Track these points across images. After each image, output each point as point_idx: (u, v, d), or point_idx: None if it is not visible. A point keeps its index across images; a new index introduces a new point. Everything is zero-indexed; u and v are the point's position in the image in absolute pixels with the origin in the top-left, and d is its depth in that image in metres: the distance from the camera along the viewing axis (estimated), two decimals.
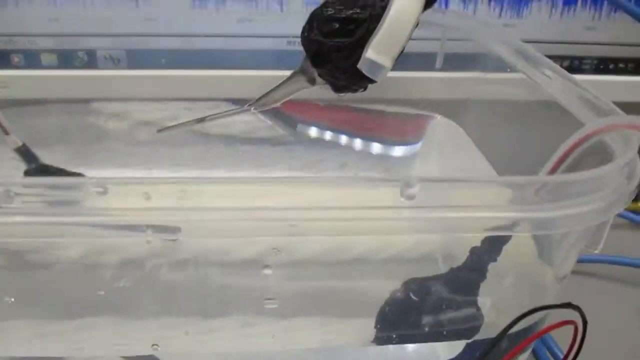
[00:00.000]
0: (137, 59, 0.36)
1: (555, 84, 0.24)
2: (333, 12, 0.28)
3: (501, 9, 0.37)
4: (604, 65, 0.40)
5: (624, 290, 0.36)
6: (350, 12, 0.28)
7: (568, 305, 0.18)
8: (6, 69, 0.35)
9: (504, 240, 0.19)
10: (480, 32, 0.29)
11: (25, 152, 0.28)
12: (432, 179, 0.15)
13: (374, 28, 0.28)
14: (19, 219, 0.14)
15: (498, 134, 0.30)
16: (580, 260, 0.35)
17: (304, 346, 0.21)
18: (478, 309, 0.20)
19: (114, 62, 0.36)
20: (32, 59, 0.35)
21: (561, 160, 0.18)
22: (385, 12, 0.27)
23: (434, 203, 0.14)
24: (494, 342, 0.18)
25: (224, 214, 0.15)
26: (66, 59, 0.36)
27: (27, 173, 0.30)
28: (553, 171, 0.18)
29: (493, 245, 0.19)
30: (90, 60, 0.36)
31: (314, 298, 0.21)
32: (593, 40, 0.39)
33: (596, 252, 0.17)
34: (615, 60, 0.40)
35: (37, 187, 0.15)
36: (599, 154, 0.18)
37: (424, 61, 0.33)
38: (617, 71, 0.40)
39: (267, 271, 0.19)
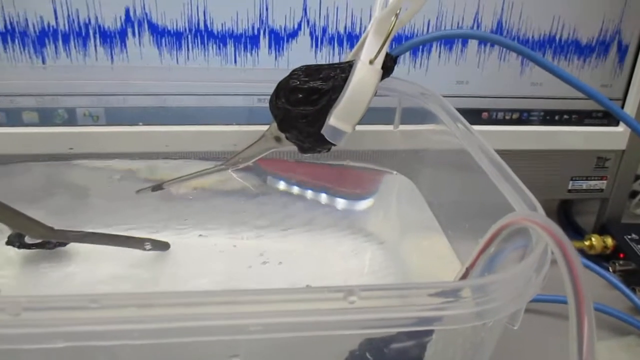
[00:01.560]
0: (115, 115, 0.38)
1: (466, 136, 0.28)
2: (298, 83, 0.31)
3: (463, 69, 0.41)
4: (550, 117, 0.44)
5: (562, 326, 0.39)
6: (314, 83, 0.31)
7: None
8: None
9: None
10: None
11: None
12: (369, 288, 0.17)
13: (336, 98, 0.31)
14: None
15: (442, 182, 0.33)
16: (535, 300, 0.38)
17: None
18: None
19: (93, 119, 0.38)
20: (14, 117, 0.37)
21: (483, 249, 0.21)
22: (346, 83, 0.30)
23: (370, 305, 0.16)
24: None
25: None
26: (47, 117, 0.38)
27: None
28: (477, 259, 0.21)
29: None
30: (70, 117, 0.38)
31: None
32: (539, 94, 0.42)
33: (515, 328, 0.20)
34: (560, 112, 0.44)
35: None
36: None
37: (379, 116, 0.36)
38: (561, 122, 0.44)
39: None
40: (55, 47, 0.36)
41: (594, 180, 0.47)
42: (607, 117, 0.44)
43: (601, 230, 0.47)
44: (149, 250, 0.34)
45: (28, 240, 0.32)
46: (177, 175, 0.35)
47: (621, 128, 0.44)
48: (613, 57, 0.42)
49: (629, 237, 0.45)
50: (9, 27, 0.35)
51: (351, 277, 0.32)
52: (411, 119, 0.35)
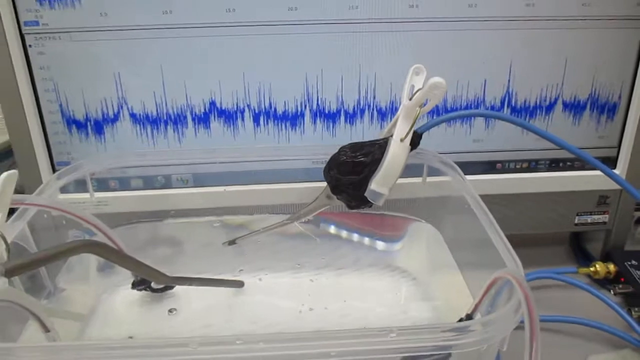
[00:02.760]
0: (201, 179, 0.48)
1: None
2: (346, 157, 0.41)
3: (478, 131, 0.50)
4: (555, 164, 0.52)
5: (568, 341, 0.47)
6: (358, 158, 0.40)
7: None
8: (106, 191, 0.47)
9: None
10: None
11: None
12: (405, 329, 0.26)
13: (375, 169, 0.40)
14: None
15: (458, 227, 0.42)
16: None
17: None
18: None
19: (184, 183, 0.49)
20: (124, 183, 0.48)
21: (484, 294, 0.30)
22: (383, 157, 0.40)
23: (404, 339, 0.25)
24: None
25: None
26: (148, 182, 0.48)
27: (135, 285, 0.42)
28: (481, 299, 0.30)
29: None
30: (166, 182, 0.48)
31: None
32: (544, 147, 0.51)
33: (504, 349, 0.28)
34: (564, 160, 0.52)
35: None
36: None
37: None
38: (565, 168, 0.52)
39: None
40: (155, 131, 0.47)
41: (597, 214, 0.54)
42: (606, 162, 0.52)
43: (606, 257, 0.55)
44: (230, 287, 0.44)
45: (154, 285, 0.43)
46: (253, 227, 0.45)
47: (618, 170, 0.52)
48: (606, 113, 0.51)
49: (629, 263, 0.53)
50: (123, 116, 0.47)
51: (392, 307, 0.42)
52: (434, 173, 0.45)
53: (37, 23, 0.43)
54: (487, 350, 0.28)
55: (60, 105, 0.46)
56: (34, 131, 0.46)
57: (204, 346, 0.24)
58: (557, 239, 0.61)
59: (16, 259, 0.28)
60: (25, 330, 0.32)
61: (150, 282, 0.43)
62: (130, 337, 0.40)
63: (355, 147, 0.41)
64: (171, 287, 0.43)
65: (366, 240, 0.47)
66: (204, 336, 0.24)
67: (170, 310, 0.43)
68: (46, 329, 0.33)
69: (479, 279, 0.34)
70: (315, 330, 0.26)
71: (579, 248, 0.60)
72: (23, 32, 0.43)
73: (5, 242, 0.29)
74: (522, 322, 0.27)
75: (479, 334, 0.26)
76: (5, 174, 0.28)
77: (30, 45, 0.44)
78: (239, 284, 0.45)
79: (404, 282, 0.44)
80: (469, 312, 0.33)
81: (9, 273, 0.27)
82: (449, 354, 0.30)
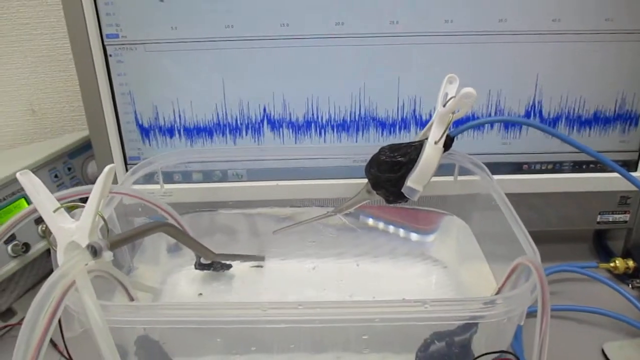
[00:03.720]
0: (254, 174, 0.54)
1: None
2: (385, 157, 0.46)
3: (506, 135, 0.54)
4: (578, 166, 0.56)
5: (585, 329, 0.51)
6: (397, 158, 0.45)
7: (505, 352, 0.34)
8: (170, 183, 0.53)
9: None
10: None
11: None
12: (437, 300, 0.31)
13: (412, 167, 0.45)
14: None
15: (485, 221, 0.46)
16: (551, 309, 0.51)
17: None
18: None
19: (238, 177, 0.54)
20: (186, 177, 0.54)
21: (507, 278, 0.34)
22: (419, 158, 0.45)
23: (438, 309, 0.30)
24: None
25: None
26: (207, 176, 0.54)
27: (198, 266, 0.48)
28: (504, 283, 0.34)
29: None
30: (223, 176, 0.54)
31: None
32: (568, 150, 0.55)
33: (521, 324, 0.33)
34: (587, 162, 0.56)
35: None
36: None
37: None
38: (588, 170, 0.56)
39: None
40: (215, 133, 0.53)
41: (619, 214, 0.58)
42: (627, 165, 0.56)
43: (626, 254, 0.59)
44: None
45: (203, 260, 0.49)
46: (300, 218, 0.51)
47: (638, 173, 0.56)
48: (628, 120, 0.54)
49: None
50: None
51: (423, 291, 0.47)
52: (465, 172, 0.49)
53: (117, 35, 0.50)
54: (508, 324, 0.32)
55: (134, 108, 0.52)
56: (111, 129, 0.52)
57: (272, 309, 0.29)
58: (581, 237, 0.65)
59: (115, 235, 0.34)
60: (115, 298, 0.38)
61: (210, 264, 0.49)
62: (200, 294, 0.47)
63: (393, 148, 0.46)
64: (228, 268, 0.49)
65: (402, 232, 0.52)
66: (272, 301, 0.30)
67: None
68: (131, 298, 0.39)
69: (503, 268, 0.39)
70: (363, 300, 0.31)
71: (601, 245, 0.63)
72: (105, 43, 0.50)
73: (105, 223, 0.36)
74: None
75: (502, 307, 0.31)
76: (107, 167, 0.34)
77: (110, 55, 0.50)
78: (261, 259, 0.52)
79: (435, 270, 0.49)
80: (494, 294, 0.38)
81: (112, 246, 0.33)
82: (475, 329, 0.35)
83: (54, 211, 0.35)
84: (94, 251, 0.32)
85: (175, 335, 0.37)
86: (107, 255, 0.32)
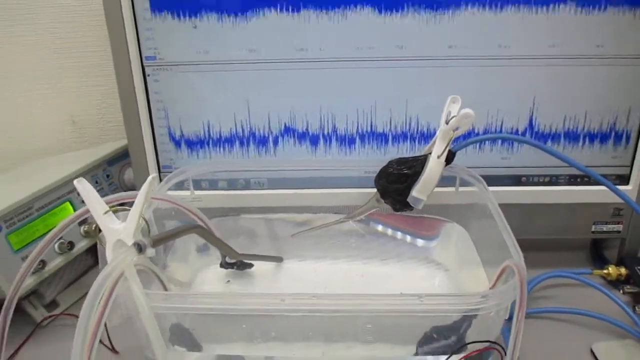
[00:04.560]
0: (274, 183, 0.60)
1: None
2: (393, 170, 0.51)
3: (505, 150, 0.59)
4: (573, 179, 0.60)
5: (576, 330, 0.55)
6: (403, 170, 0.50)
7: (492, 342, 0.39)
8: (198, 190, 0.59)
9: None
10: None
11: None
12: (431, 295, 0.36)
13: (416, 179, 0.50)
14: None
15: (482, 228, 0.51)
16: (544, 311, 0.56)
17: None
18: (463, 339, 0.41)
19: (260, 185, 0.60)
20: (213, 184, 0.60)
21: (497, 279, 0.39)
22: (423, 170, 0.49)
23: (433, 302, 0.35)
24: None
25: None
26: (232, 184, 0.60)
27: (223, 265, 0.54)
28: (495, 283, 0.39)
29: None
30: (246, 184, 0.60)
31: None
32: (563, 164, 0.59)
33: (506, 318, 0.37)
34: (582, 176, 0.60)
35: None
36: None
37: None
38: (583, 183, 0.60)
39: None
40: (238, 146, 0.59)
41: (612, 224, 0.62)
42: (619, 179, 0.60)
43: (620, 262, 0.63)
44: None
45: (228, 260, 0.54)
46: (314, 224, 0.56)
47: (630, 186, 0.60)
48: (620, 138, 0.59)
49: (639, 267, 0.60)
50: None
51: (427, 292, 0.51)
52: (465, 184, 0.54)
53: (154, 57, 0.56)
54: (496, 318, 0.37)
55: (167, 121, 0.58)
56: (147, 140, 0.58)
57: (290, 299, 0.34)
58: (578, 246, 0.69)
59: (156, 235, 0.40)
60: (152, 289, 0.44)
61: (234, 263, 0.54)
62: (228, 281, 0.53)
63: (400, 162, 0.51)
64: (250, 267, 0.54)
65: (408, 237, 0.57)
66: (290, 293, 0.35)
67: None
68: (166, 290, 0.44)
69: (496, 271, 0.43)
70: (365, 293, 0.36)
71: (597, 254, 0.67)
72: (144, 64, 0.56)
73: (147, 224, 0.41)
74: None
75: (489, 301, 0.36)
76: (150, 177, 0.40)
77: (148, 75, 0.56)
78: (279, 259, 0.57)
79: (437, 273, 0.54)
80: None
81: (154, 244, 0.38)
82: (469, 324, 0.39)
83: (104, 213, 0.40)
84: (139, 248, 0.37)
85: (203, 323, 0.43)
86: (150, 251, 0.38)
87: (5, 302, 0.45)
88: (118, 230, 0.40)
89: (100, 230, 0.59)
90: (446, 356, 0.40)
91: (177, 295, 0.41)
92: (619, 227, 0.63)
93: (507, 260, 0.39)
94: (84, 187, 0.41)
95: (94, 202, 0.41)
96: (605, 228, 0.63)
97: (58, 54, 0.75)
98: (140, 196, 0.39)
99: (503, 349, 0.38)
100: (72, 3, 0.73)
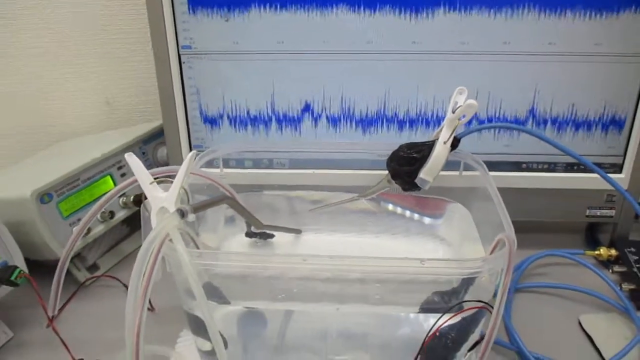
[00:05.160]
0: (295, 163, 0.65)
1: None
2: (403, 153, 0.56)
3: (507, 138, 0.64)
4: (570, 167, 0.65)
5: (566, 304, 0.61)
6: (412, 154, 0.56)
7: (481, 301, 0.44)
8: (226, 168, 0.65)
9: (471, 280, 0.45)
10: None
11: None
12: (432, 259, 0.41)
13: (424, 163, 0.55)
14: None
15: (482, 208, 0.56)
16: (538, 286, 0.61)
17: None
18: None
19: (282, 165, 0.66)
20: (239, 163, 0.66)
21: (492, 250, 0.45)
22: (430, 154, 0.55)
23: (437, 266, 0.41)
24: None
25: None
26: (257, 163, 0.66)
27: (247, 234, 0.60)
28: (492, 252, 0.45)
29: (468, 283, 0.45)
30: (269, 164, 0.66)
31: None
32: (561, 152, 0.64)
33: (497, 283, 0.43)
34: (578, 164, 0.65)
35: None
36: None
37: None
38: (579, 170, 0.65)
39: None
40: (262, 127, 0.65)
41: (605, 209, 0.67)
42: (613, 167, 0.65)
43: (611, 244, 0.68)
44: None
45: (253, 229, 0.60)
46: (331, 201, 0.61)
47: (623, 175, 0.65)
48: (615, 129, 0.63)
49: (628, 250, 0.65)
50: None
51: None
52: (468, 168, 0.60)
53: (190, 47, 0.62)
54: (487, 283, 0.43)
55: (199, 105, 0.64)
56: (181, 121, 0.64)
57: (311, 259, 0.40)
58: (575, 229, 0.74)
59: (195, 203, 0.46)
60: None
61: (258, 233, 0.60)
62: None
63: (410, 146, 0.56)
64: (272, 237, 0.60)
65: (415, 215, 0.62)
66: (308, 254, 0.41)
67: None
68: None
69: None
70: (372, 256, 0.42)
71: (592, 237, 0.73)
72: (180, 52, 0.62)
73: (187, 194, 0.47)
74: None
75: (483, 266, 0.41)
76: (190, 153, 0.46)
77: (183, 62, 0.62)
78: (298, 232, 0.62)
79: (441, 247, 0.59)
80: None
81: (195, 210, 0.44)
82: (466, 288, 0.45)
83: (150, 184, 0.46)
84: (182, 213, 0.43)
85: (230, 281, 0.49)
86: (191, 217, 0.44)
87: (60, 262, 0.51)
88: (161, 198, 0.46)
89: (137, 202, 0.66)
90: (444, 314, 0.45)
91: (213, 254, 0.47)
92: (612, 212, 0.68)
93: (500, 234, 0.44)
94: (133, 160, 0.47)
95: (142, 173, 0.47)
96: (598, 213, 0.68)
97: (97, 41, 0.82)
98: (182, 169, 0.45)
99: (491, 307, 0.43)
100: None
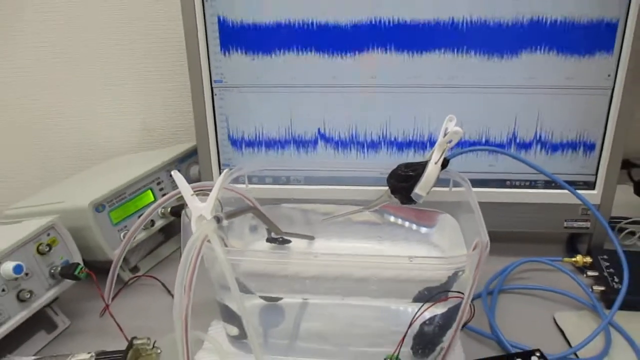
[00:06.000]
0: (309, 180, 0.76)
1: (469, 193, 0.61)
2: (401, 172, 0.66)
3: (491, 159, 0.74)
4: (548, 184, 0.75)
5: (544, 303, 0.70)
6: (409, 173, 0.65)
7: (457, 291, 0.54)
8: (251, 184, 0.75)
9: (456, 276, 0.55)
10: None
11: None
12: (420, 256, 0.51)
13: (418, 179, 0.65)
14: None
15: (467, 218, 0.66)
16: (519, 287, 0.71)
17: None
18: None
19: (298, 182, 0.76)
20: (261, 179, 0.76)
21: (474, 248, 0.54)
22: (423, 173, 0.65)
23: (423, 262, 0.51)
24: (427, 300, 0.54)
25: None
26: (276, 180, 0.76)
27: (268, 240, 0.70)
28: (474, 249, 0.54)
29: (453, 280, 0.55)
30: (287, 180, 0.76)
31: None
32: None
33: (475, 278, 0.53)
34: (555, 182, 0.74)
35: None
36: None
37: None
38: (557, 187, 0.75)
39: None
40: (280, 149, 0.75)
41: (581, 222, 0.76)
42: (587, 184, 0.74)
43: (587, 253, 0.77)
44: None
45: (273, 235, 0.70)
46: (340, 212, 0.72)
47: (596, 191, 0.74)
48: (587, 151, 0.73)
49: (602, 257, 0.74)
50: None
51: None
52: (457, 185, 0.69)
53: (221, 81, 0.73)
54: (464, 279, 0.52)
55: (228, 129, 0.75)
56: (212, 144, 0.75)
57: (321, 256, 0.50)
58: (557, 240, 0.83)
59: (227, 211, 0.56)
60: None
61: (277, 239, 0.70)
62: None
63: (407, 165, 0.66)
64: (289, 242, 0.70)
65: (413, 226, 0.72)
66: (319, 252, 0.51)
67: None
68: None
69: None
70: (371, 254, 0.51)
71: (572, 245, 0.82)
72: (213, 86, 0.73)
73: (221, 204, 0.58)
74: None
75: (461, 263, 0.51)
76: (225, 171, 0.56)
77: (215, 94, 0.73)
78: (312, 238, 0.72)
79: (434, 252, 0.69)
80: None
81: (228, 217, 0.54)
82: (452, 285, 0.55)
83: (191, 195, 0.57)
84: (218, 220, 0.53)
85: (254, 277, 0.59)
86: (225, 223, 0.54)
87: (115, 258, 0.62)
88: (200, 208, 0.56)
89: (173, 213, 0.76)
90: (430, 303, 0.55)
91: (241, 251, 0.57)
92: (587, 224, 0.77)
93: (476, 240, 0.54)
94: (177, 176, 0.57)
95: (184, 187, 0.57)
96: (575, 224, 0.77)
97: (133, 70, 0.93)
98: (218, 183, 0.56)
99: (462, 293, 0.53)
100: (158, 35, 0.91)
